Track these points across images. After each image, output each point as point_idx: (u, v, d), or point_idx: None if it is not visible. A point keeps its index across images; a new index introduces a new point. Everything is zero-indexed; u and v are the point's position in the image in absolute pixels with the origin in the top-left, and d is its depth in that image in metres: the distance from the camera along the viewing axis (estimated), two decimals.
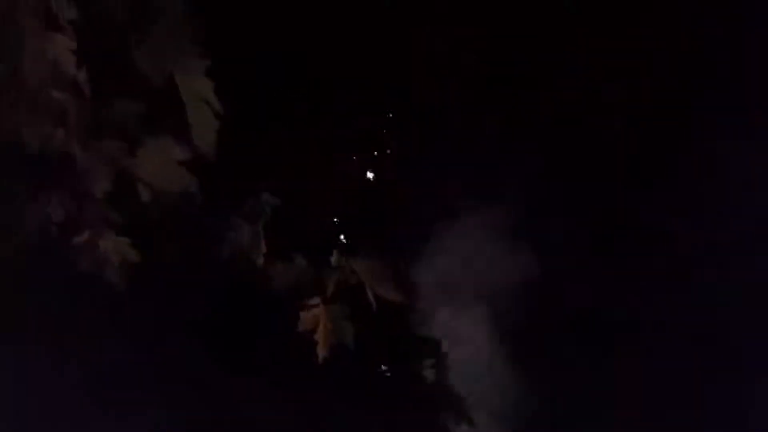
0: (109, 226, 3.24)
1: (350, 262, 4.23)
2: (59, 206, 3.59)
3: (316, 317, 4.08)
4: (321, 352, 4.04)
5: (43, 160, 3.35)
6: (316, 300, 4.05)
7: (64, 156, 3.26)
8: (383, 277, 4.24)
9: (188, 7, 2.68)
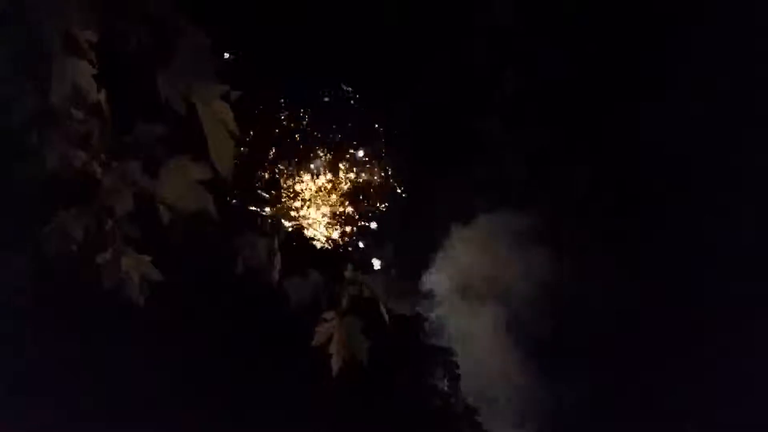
0: (130, 245, 3.31)
1: (363, 276, 4.28)
2: (80, 225, 3.67)
3: (330, 331, 4.12)
4: (335, 365, 4.09)
5: (65, 180, 3.43)
6: (330, 314, 4.10)
7: (85, 176, 3.33)
8: (395, 291, 4.28)
9: (208, 32, 2.75)
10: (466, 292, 24.69)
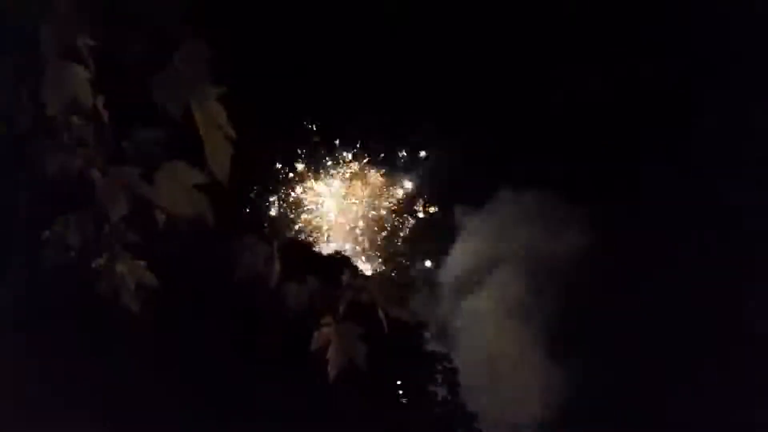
0: (126, 250, 3.31)
1: (361, 282, 4.28)
2: (78, 230, 3.67)
3: (328, 336, 4.11)
4: (332, 370, 4.08)
5: (63, 186, 3.43)
6: (328, 319, 4.09)
7: (82, 181, 3.34)
8: (394, 296, 4.28)
9: (203, 35, 2.76)
10: (476, 279, 24.52)
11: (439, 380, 17.00)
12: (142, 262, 3.36)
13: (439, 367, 16.89)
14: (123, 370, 9.35)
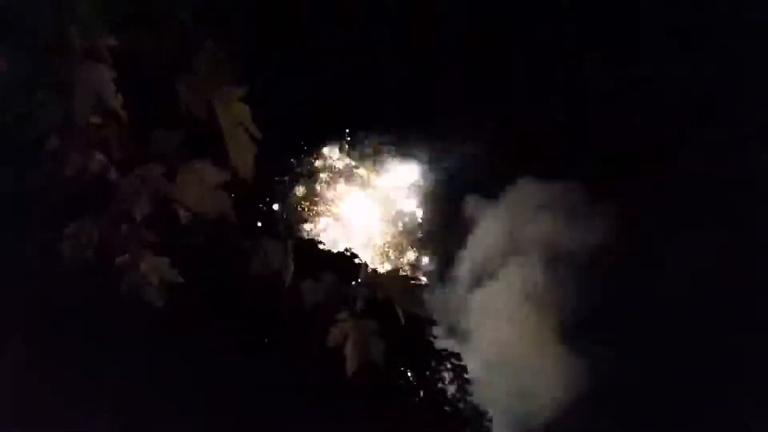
0: (148, 248, 3.35)
1: (377, 278, 4.31)
2: (96, 229, 3.71)
3: (344, 332, 4.15)
4: (349, 367, 4.11)
5: (83, 185, 3.47)
6: (344, 315, 4.13)
7: (103, 181, 3.38)
8: (408, 292, 4.31)
9: (225, 34, 2.79)
10: (491, 270, 24.47)
11: (448, 378, 17.02)
12: (165, 259, 3.41)
13: (449, 365, 16.90)
14: (138, 367, 9.38)
